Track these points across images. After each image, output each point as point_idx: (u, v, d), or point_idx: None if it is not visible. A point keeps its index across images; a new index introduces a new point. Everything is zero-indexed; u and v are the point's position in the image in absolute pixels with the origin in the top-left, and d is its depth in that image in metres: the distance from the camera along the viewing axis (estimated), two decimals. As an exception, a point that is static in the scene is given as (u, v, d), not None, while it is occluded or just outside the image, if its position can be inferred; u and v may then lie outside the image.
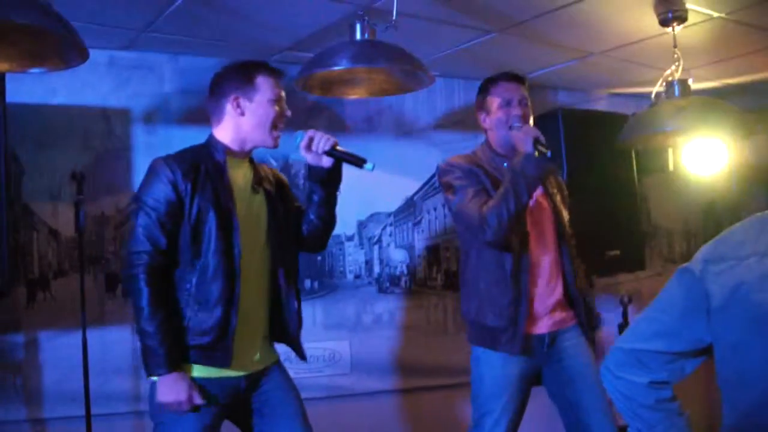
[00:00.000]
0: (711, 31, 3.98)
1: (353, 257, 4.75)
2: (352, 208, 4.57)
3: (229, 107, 2.87)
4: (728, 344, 1.77)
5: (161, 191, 2.70)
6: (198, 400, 2.66)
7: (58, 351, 3.85)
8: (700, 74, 4.65)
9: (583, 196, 4.35)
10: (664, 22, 3.64)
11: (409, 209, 4.90)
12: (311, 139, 2.89)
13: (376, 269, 4.82)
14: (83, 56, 2.56)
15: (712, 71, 4.74)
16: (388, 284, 4.83)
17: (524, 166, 3.10)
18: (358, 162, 2.86)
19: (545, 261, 3.34)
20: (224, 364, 2.73)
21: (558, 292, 3.36)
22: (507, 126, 3.31)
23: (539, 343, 3.30)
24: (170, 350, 2.64)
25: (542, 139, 3.13)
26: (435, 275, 4.96)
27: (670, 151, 5.44)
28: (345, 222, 4.48)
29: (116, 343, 3.99)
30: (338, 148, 2.91)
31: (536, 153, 3.09)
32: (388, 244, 4.87)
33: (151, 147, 4.13)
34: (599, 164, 4.51)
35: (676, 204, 5.86)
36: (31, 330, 3.85)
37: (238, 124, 2.87)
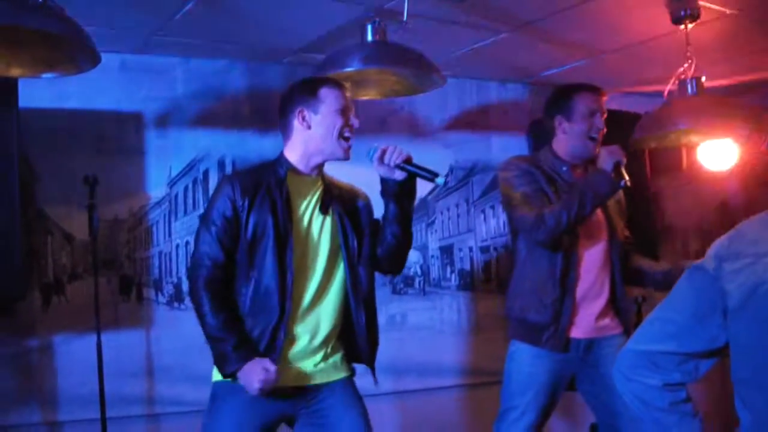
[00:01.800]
0: (724, 29, 3.96)
1: (366, 258, 4.73)
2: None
3: (296, 123, 2.87)
4: (746, 344, 1.74)
5: (221, 207, 2.78)
6: (271, 366, 2.69)
7: (72, 354, 3.86)
8: (713, 72, 4.62)
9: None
10: (677, 20, 3.63)
11: (422, 210, 4.89)
12: (383, 152, 2.85)
13: (390, 270, 4.80)
14: (95, 60, 2.57)
15: (726, 69, 4.72)
16: (401, 285, 4.81)
17: (598, 182, 3.20)
18: (430, 176, 2.83)
19: (593, 267, 3.39)
20: None
21: (604, 298, 3.41)
22: (587, 136, 3.39)
23: (575, 348, 3.33)
24: (238, 346, 2.70)
25: (623, 163, 3.21)
26: (449, 276, 4.95)
27: (683, 149, 5.42)
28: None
29: (130, 346, 4.01)
30: (412, 161, 2.87)
31: (613, 175, 3.20)
32: (401, 245, 4.85)
33: (163, 150, 4.15)
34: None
35: (690, 203, 5.83)
36: (45, 334, 3.86)
37: (305, 139, 2.87)
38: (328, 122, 2.83)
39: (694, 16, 3.60)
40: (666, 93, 3.77)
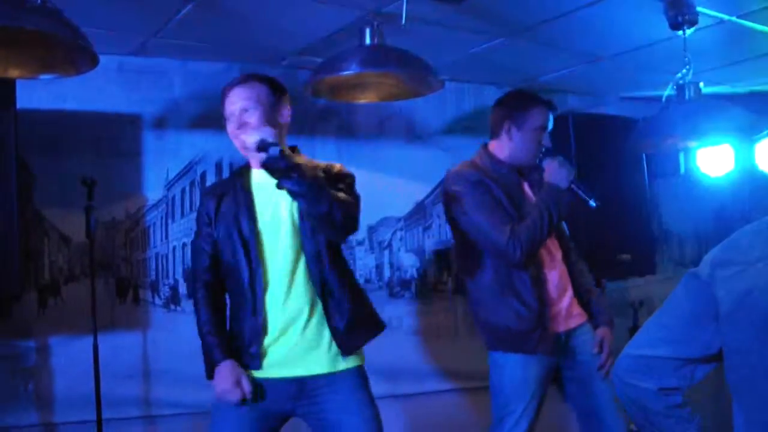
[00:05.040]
0: (721, 35, 3.97)
1: (363, 261, 4.74)
2: (363, 212, 4.54)
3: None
4: (737, 350, 1.74)
5: (200, 217, 2.93)
6: (247, 386, 2.74)
7: (69, 356, 3.86)
8: (711, 78, 4.63)
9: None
10: (675, 26, 3.62)
11: (419, 214, 4.90)
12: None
13: (387, 273, 4.81)
14: (93, 62, 2.57)
15: (723, 75, 4.73)
16: (398, 288, 4.82)
17: (560, 201, 3.22)
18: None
19: (555, 263, 3.38)
20: (254, 366, 2.80)
21: (569, 290, 3.40)
22: (531, 148, 3.33)
23: (557, 342, 3.32)
24: (218, 346, 2.78)
25: (574, 179, 3.25)
26: (445, 279, 4.95)
27: (680, 154, 5.43)
28: (355, 227, 4.47)
29: (127, 348, 4.01)
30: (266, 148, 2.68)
31: (579, 194, 3.25)
32: (399, 249, 4.86)
33: (161, 152, 4.16)
34: (610, 168, 4.50)
35: (687, 208, 5.84)
36: (42, 335, 3.86)
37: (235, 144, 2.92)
38: (230, 127, 2.87)
39: (692, 22, 3.60)
40: (664, 98, 3.78)
